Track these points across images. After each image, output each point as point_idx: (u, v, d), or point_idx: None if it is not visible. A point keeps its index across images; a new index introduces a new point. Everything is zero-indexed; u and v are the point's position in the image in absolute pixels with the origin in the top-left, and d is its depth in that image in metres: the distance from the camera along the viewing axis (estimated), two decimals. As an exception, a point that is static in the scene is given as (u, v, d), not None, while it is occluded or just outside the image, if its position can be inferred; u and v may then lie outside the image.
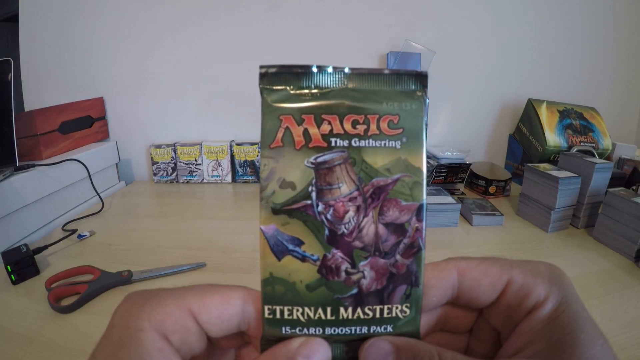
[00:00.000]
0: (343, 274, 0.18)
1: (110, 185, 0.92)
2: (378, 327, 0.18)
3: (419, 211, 0.18)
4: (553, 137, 0.84)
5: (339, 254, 0.18)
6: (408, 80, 0.18)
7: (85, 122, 0.93)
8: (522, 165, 0.93)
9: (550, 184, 0.66)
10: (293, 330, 0.17)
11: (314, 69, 0.18)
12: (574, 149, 0.82)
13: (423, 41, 0.92)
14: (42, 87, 1.00)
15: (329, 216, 0.18)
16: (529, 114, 0.91)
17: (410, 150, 0.18)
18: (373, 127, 0.17)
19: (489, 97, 1.02)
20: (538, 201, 0.69)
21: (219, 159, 0.97)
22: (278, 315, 0.17)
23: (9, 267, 0.50)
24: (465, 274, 0.19)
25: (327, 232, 0.18)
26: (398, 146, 0.18)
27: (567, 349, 0.16)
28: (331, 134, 0.17)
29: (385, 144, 0.18)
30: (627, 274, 0.53)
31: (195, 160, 0.97)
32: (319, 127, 0.17)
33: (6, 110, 0.66)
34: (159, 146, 0.96)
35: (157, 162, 0.97)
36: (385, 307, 0.18)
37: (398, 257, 0.18)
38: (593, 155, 0.81)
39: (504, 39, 0.98)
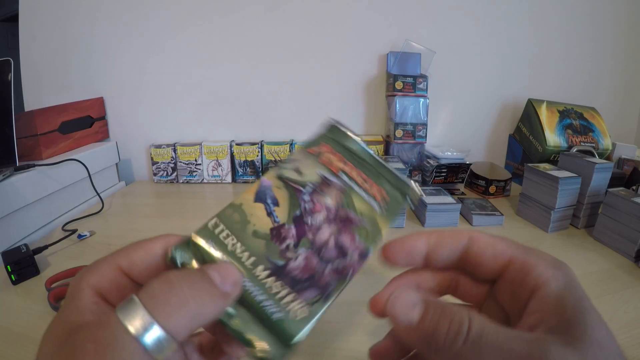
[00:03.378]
0: (284, 245, 0.21)
1: (110, 185, 0.93)
2: (271, 304, 0.19)
3: (363, 254, 0.22)
4: (553, 137, 0.84)
5: (293, 230, 0.22)
6: (407, 188, 0.25)
7: (85, 122, 0.93)
8: (522, 165, 0.93)
9: (550, 184, 0.66)
10: (214, 251, 0.20)
11: (358, 139, 0.26)
12: (574, 149, 0.82)
13: (423, 41, 0.92)
14: (42, 87, 1.00)
15: (306, 205, 0.22)
16: (529, 114, 0.91)
17: (382, 216, 0.23)
18: (369, 187, 0.24)
19: (489, 97, 1.02)
20: (538, 201, 0.69)
21: (219, 159, 0.97)
22: (217, 231, 0.21)
23: (9, 267, 0.50)
24: (474, 241, 0.21)
25: (298, 212, 0.22)
26: (377, 209, 0.23)
27: (578, 327, 0.16)
28: (344, 171, 0.24)
29: (370, 201, 0.24)
30: (627, 274, 0.53)
31: (195, 160, 0.97)
32: (340, 162, 0.25)
33: (6, 110, 0.66)
34: (159, 146, 0.96)
35: (157, 162, 0.97)
36: (292, 294, 0.20)
37: (328, 268, 0.21)
38: (593, 155, 0.81)
39: (504, 39, 0.98)
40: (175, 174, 0.98)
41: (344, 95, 1.00)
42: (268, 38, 0.96)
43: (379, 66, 0.98)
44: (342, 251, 0.22)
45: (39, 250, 0.57)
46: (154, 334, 0.15)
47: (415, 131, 0.90)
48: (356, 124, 1.02)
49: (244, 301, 0.19)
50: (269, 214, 0.22)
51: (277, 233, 0.21)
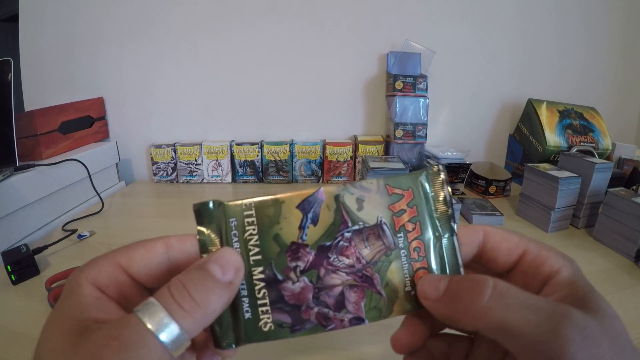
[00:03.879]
0: (293, 264, 0.20)
1: (110, 185, 0.93)
2: (249, 304, 0.20)
3: (357, 320, 0.20)
4: (553, 137, 0.84)
5: (311, 256, 0.20)
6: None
7: (85, 122, 0.93)
8: (522, 165, 0.93)
9: (550, 184, 0.66)
10: (232, 229, 0.20)
11: (448, 196, 0.23)
12: (574, 149, 0.82)
13: (423, 41, 0.92)
14: (42, 87, 1.00)
15: (341, 243, 0.20)
16: (529, 114, 0.91)
17: (403, 303, 0.21)
18: (418, 262, 0.21)
19: (489, 97, 1.02)
20: (538, 201, 0.69)
21: (219, 159, 0.97)
22: (245, 214, 0.20)
23: (9, 267, 0.50)
24: (489, 236, 0.21)
25: (328, 243, 0.20)
26: (404, 291, 0.21)
27: (593, 303, 0.17)
28: (406, 230, 0.21)
29: (405, 279, 0.21)
30: (627, 274, 0.53)
31: (195, 160, 0.97)
32: (409, 220, 0.21)
33: (6, 110, 0.66)
34: (159, 146, 0.96)
35: (157, 162, 0.97)
36: (268, 308, 0.20)
37: (315, 310, 0.20)
38: (593, 155, 0.81)
39: (504, 38, 0.98)
40: (175, 174, 0.98)
41: (344, 95, 1.00)
42: (268, 38, 0.96)
43: (379, 66, 0.98)
44: (339, 305, 0.20)
45: (39, 250, 0.57)
46: (171, 332, 0.16)
47: (415, 131, 0.90)
48: (356, 124, 1.02)
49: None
50: (301, 227, 0.20)
51: (295, 249, 0.20)
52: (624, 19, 1.00)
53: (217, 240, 0.20)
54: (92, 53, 0.97)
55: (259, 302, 0.20)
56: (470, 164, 0.86)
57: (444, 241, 0.21)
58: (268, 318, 0.20)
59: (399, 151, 0.91)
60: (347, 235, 0.20)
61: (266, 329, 0.20)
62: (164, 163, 0.97)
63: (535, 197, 0.70)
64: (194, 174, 0.98)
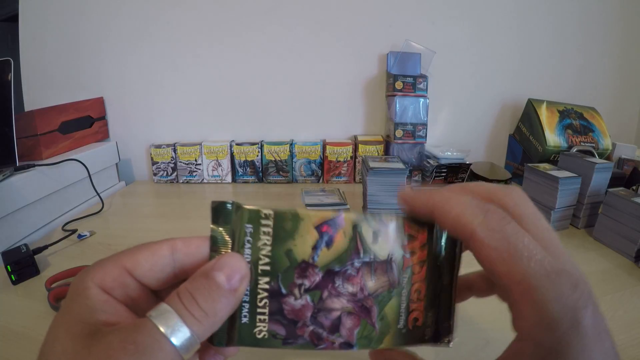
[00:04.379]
0: (299, 281, 0.20)
1: (110, 185, 0.93)
2: (248, 310, 0.20)
3: (347, 345, 0.21)
4: (553, 137, 0.84)
5: (317, 278, 0.20)
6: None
7: (85, 122, 0.93)
8: (522, 165, 0.93)
9: (550, 184, 0.66)
10: (246, 235, 0.20)
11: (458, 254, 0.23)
12: (574, 149, 0.82)
13: (423, 41, 0.92)
14: (42, 87, 1.00)
15: (349, 271, 0.21)
16: (529, 114, 0.91)
17: (394, 338, 0.22)
18: (416, 304, 0.22)
19: (489, 97, 1.02)
20: (538, 201, 0.69)
21: (219, 159, 0.97)
22: (263, 222, 0.20)
23: (9, 267, 0.50)
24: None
25: (337, 269, 0.21)
26: (396, 328, 0.22)
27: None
28: (412, 271, 0.22)
29: (400, 318, 0.22)
30: (627, 274, 0.53)
31: (195, 160, 0.97)
32: (419, 261, 0.22)
33: (6, 110, 0.66)
34: (159, 146, 0.96)
35: (157, 162, 0.97)
36: (266, 317, 0.20)
37: (310, 328, 0.20)
38: (593, 155, 0.81)
39: (504, 38, 0.98)
40: (175, 174, 0.98)
41: (344, 95, 1.00)
42: (268, 38, 0.96)
43: (379, 66, 0.98)
44: (333, 328, 0.21)
45: (39, 250, 0.57)
46: (184, 337, 0.17)
47: (415, 131, 0.90)
48: (356, 124, 1.02)
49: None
50: (315, 248, 0.20)
51: (304, 268, 0.20)
52: (624, 19, 1.00)
53: (229, 243, 0.20)
54: (92, 53, 0.97)
55: (259, 310, 0.20)
56: (470, 164, 0.86)
57: (443, 291, 0.22)
58: (264, 327, 0.20)
59: (399, 151, 0.91)
60: (357, 264, 0.21)
61: (260, 336, 0.20)
62: (164, 163, 0.97)
63: (535, 197, 0.70)
64: (194, 174, 0.98)
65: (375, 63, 0.97)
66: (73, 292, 0.19)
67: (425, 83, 0.89)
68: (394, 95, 0.89)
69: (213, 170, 0.97)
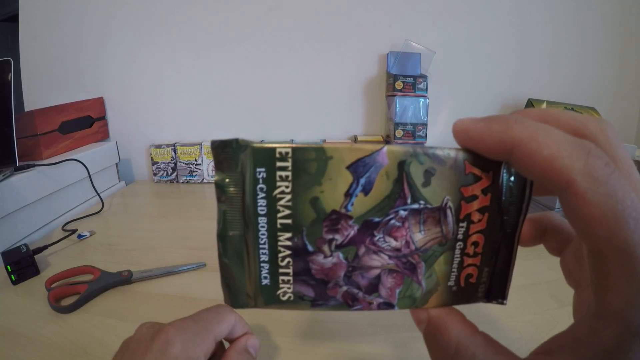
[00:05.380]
0: (329, 236, 0.17)
1: (110, 185, 0.93)
2: (268, 271, 0.17)
3: (386, 305, 0.18)
4: (553, 137, 0.84)
5: (353, 231, 0.17)
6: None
7: (85, 122, 0.93)
8: (522, 165, 0.93)
9: (550, 184, 0.66)
10: (259, 184, 0.16)
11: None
12: (574, 149, 0.82)
13: (423, 41, 0.92)
14: (42, 87, 1.00)
15: (392, 222, 0.17)
16: (529, 114, 0.91)
17: (440, 296, 0.19)
18: (472, 259, 0.18)
19: (489, 97, 1.02)
20: (538, 201, 0.69)
21: (219, 159, 0.96)
22: (278, 164, 0.16)
23: (9, 267, 0.50)
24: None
25: (376, 219, 0.17)
26: (444, 286, 0.18)
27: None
28: (471, 221, 0.17)
29: (451, 275, 0.18)
30: (627, 274, 0.53)
31: (195, 160, 0.97)
32: (479, 209, 0.17)
33: (6, 111, 0.66)
34: (159, 146, 0.96)
35: (157, 162, 0.97)
36: (290, 277, 0.17)
37: (344, 289, 0.17)
38: (593, 155, 0.81)
39: (504, 38, 0.98)
40: (175, 174, 0.98)
41: (344, 95, 1.00)
42: (268, 38, 0.96)
43: (379, 66, 0.98)
44: (371, 288, 0.18)
45: (39, 250, 0.57)
46: None
47: (415, 131, 0.90)
48: (356, 124, 1.02)
49: (248, 246, 0.17)
50: (347, 194, 0.16)
51: (335, 220, 0.16)
52: (624, 19, 1.00)
53: (237, 193, 0.16)
54: (92, 53, 0.97)
55: (281, 270, 0.17)
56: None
57: (504, 242, 0.18)
58: (288, 288, 0.17)
59: (399, 151, 0.91)
60: (403, 213, 0.17)
61: (284, 298, 0.18)
62: (164, 163, 0.97)
63: (535, 197, 0.70)
64: (194, 174, 0.98)
65: (375, 63, 0.97)
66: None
67: (425, 83, 0.89)
68: (394, 95, 0.89)
69: (213, 170, 0.97)
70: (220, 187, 0.17)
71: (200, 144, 0.96)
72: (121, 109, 1.01)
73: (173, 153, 0.97)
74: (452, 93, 1.01)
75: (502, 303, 0.19)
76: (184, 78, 0.99)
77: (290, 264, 0.17)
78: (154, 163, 0.97)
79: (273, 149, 0.16)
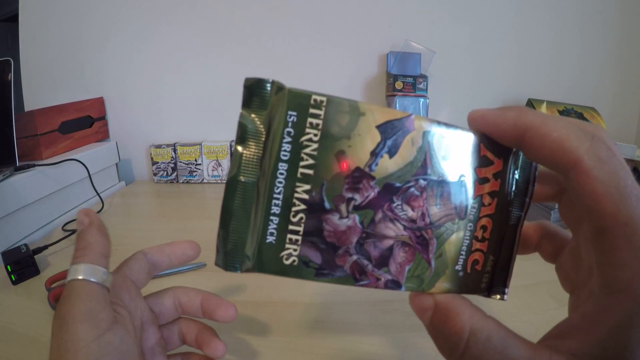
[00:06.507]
0: (348, 195, 0.16)
1: (110, 185, 0.93)
2: (275, 226, 0.16)
3: (393, 284, 0.17)
4: (553, 137, 0.84)
5: (373, 193, 0.16)
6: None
7: (85, 122, 0.93)
8: (522, 165, 0.93)
9: (550, 184, 0.66)
10: (287, 128, 0.16)
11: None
12: (574, 149, 0.82)
13: (423, 41, 0.92)
14: (42, 87, 1.00)
15: (412, 189, 0.17)
16: (529, 114, 0.91)
17: (447, 280, 0.18)
18: (481, 245, 0.18)
19: (489, 97, 1.02)
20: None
21: (219, 159, 0.97)
22: (311, 111, 0.16)
23: (9, 267, 0.50)
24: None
25: (398, 184, 0.16)
26: (451, 271, 0.18)
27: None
28: (482, 204, 0.18)
29: (460, 257, 0.18)
30: (627, 274, 0.52)
31: (195, 160, 0.97)
32: (494, 193, 0.18)
33: (6, 110, 0.66)
34: (159, 146, 0.96)
35: (157, 162, 0.97)
36: (299, 239, 0.16)
37: (353, 257, 0.17)
38: (593, 155, 0.81)
39: (504, 38, 0.98)
40: (175, 174, 0.98)
41: (344, 95, 0.99)
42: (268, 38, 0.96)
43: (379, 66, 0.98)
44: (382, 260, 0.17)
45: (39, 250, 0.57)
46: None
47: (415, 131, 0.90)
48: (356, 124, 1.02)
49: (259, 196, 0.16)
50: (374, 154, 0.16)
51: (357, 178, 0.16)
52: (625, 20, 1.00)
53: (262, 134, 0.16)
54: (92, 53, 0.97)
55: (291, 227, 0.16)
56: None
57: (508, 234, 0.18)
58: (294, 250, 0.16)
59: (399, 151, 0.91)
60: (422, 183, 0.17)
61: (287, 262, 0.16)
62: (164, 163, 0.97)
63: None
64: (194, 174, 0.98)
65: (375, 63, 0.97)
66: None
67: (425, 83, 0.89)
68: (394, 96, 0.89)
69: (213, 170, 0.97)
70: (243, 127, 0.16)
71: (200, 144, 0.96)
72: (121, 109, 1.01)
73: (173, 153, 0.97)
74: (452, 93, 1.01)
75: (502, 296, 0.19)
76: (184, 78, 0.99)
77: (303, 220, 0.16)
78: (154, 163, 0.97)
79: (309, 95, 0.16)
